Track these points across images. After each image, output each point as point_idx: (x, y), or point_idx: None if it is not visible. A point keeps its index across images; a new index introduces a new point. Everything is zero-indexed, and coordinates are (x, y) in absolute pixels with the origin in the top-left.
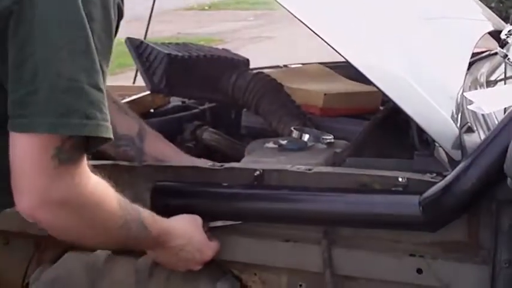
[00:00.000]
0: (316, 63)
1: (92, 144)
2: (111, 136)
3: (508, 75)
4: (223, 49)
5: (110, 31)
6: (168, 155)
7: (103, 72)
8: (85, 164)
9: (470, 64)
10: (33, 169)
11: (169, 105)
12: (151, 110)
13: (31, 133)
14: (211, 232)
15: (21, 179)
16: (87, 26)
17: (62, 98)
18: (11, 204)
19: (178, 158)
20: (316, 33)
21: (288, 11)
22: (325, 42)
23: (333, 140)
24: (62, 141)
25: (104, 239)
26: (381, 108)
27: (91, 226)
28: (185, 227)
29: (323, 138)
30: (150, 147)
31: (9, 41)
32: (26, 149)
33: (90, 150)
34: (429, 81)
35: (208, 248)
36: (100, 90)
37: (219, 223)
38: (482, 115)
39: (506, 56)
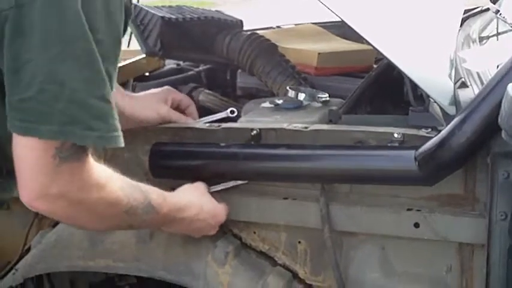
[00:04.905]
0: (309, 23)
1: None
2: (119, 145)
3: (500, 30)
4: (216, 11)
5: (117, 35)
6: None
7: (110, 77)
8: (88, 157)
9: (463, 20)
10: (33, 168)
11: (165, 68)
12: (147, 73)
13: (31, 137)
14: (213, 195)
15: (21, 174)
16: (90, 37)
17: (64, 109)
18: None
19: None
20: None
21: None
22: (319, 1)
23: (328, 98)
24: (62, 143)
25: (109, 224)
26: (375, 66)
27: (94, 214)
28: (192, 197)
29: (318, 97)
30: None
31: (6, 48)
32: (26, 149)
33: (96, 150)
34: (422, 38)
35: (221, 211)
36: (106, 101)
37: (220, 187)
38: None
39: (498, 11)
